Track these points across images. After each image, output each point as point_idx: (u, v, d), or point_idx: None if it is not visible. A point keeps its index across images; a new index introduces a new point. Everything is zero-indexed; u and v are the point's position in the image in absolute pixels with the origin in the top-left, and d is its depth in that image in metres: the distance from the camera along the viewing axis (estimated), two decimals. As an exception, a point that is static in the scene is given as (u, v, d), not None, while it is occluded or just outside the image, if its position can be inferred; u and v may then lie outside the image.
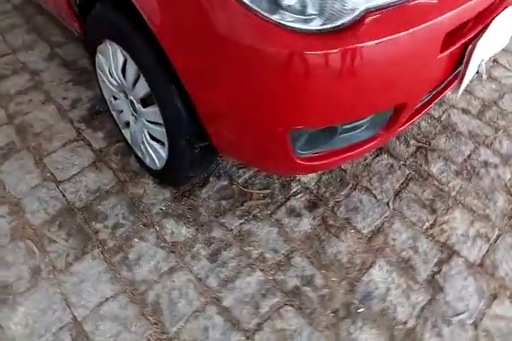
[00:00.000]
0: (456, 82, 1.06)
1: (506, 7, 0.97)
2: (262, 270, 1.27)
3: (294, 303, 1.19)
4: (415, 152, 1.58)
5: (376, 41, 0.74)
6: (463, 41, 0.90)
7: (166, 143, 1.17)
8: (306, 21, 0.74)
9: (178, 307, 1.17)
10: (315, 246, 1.32)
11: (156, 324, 1.15)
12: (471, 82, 1.21)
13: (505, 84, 1.85)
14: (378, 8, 0.75)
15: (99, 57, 1.20)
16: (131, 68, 1.07)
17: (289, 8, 0.73)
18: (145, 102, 1.15)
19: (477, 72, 1.05)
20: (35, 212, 1.39)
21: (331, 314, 1.17)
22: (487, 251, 1.31)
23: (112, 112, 1.40)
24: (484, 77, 1.46)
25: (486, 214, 1.40)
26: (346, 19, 0.74)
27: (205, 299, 1.19)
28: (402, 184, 1.48)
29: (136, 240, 1.33)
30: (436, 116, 1.71)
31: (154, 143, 1.24)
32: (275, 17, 0.74)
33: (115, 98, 1.31)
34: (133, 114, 1.28)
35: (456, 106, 1.76)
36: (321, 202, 1.43)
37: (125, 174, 1.50)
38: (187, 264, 1.28)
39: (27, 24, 2.10)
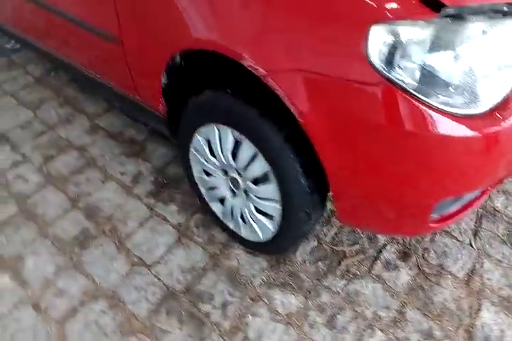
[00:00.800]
0: None
1: None
2: (381, 330, 1.29)
3: (425, 360, 1.22)
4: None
5: None
6: None
7: (279, 217, 1.19)
8: (466, 105, 0.79)
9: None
10: (421, 297, 1.37)
11: None
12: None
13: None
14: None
15: (198, 139, 1.21)
16: (247, 150, 1.09)
17: (450, 94, 0.78)
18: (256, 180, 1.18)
19: None
20: (136, 302, 1.34)
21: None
22: None
23: (200, 188, 1.40)
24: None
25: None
26: (496, 102, 0.82)
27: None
28: (476, 222, 1.58)
29: (249, 317, 1.31)
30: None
31: (261, 217, 1.26)
32: (438, 102, 0.77)
33: (208, 175, 1.32)
34: (232, 190, 1.29)
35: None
36: (410, 251, 1.49)
37: (214, 247, 1.49)
38: (308, 335, 1.28)
39: (57, 97, 2.06)
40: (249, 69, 0.86)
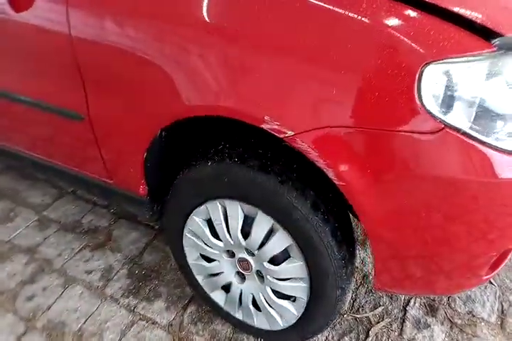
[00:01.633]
0: None
1: None
2: None
3: None
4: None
5: None
6: None
7: (305, 297, 1.00)
8: None
9: None
10: (466, 355, 1.22)
11: None
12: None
13: None
14: None
15: (195, 220, 1.02)
16: (263, 225, 0.92)
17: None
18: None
19: None
20: None
21: None
22: None
23: (197, 276, 1.17)
24: None
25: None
26: None
27: None
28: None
29: None
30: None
31: (282, 302, 1.06)
32: (498, 142, 0.68)
33: (209, 261, 1.11)
34: (240, 274, 1.09)
35: None
36: (435, 303, 1.36)
37: (221, 344, 1.22)
38: None
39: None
40: (271, 132, 0.73)
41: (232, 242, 0.99)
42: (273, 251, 0.94)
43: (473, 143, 0.64)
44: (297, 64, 0.69)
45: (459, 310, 1.35)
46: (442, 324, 1.31)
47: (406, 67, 0.62)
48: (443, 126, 0.64)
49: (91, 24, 0.87)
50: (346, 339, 1.26)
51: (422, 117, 0.64)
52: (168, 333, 1.25)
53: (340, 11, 0.67)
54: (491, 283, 1.43)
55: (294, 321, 1.08)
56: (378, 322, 1.31)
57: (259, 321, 1.15)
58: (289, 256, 0.95)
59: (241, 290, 1.12)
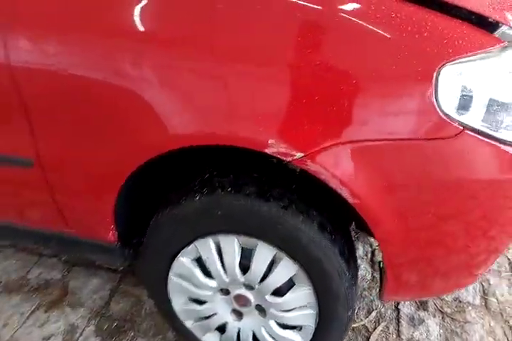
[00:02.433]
0: None
1: None
2: None
3: None
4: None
5: None
6: None
7: (313, 324, 0.93)
8: None
9: None
10: (464, 343, 1.24)
11: None
12: None
13: None
14: None
15: (182, 262, 0.88)
16: (264, 256, 0.83)
17: None
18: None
19: None
20: None
21: None
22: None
23: (185, 322, 1.02)
24: None
25: None
26: None
27: None
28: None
29: None
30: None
31: (287, 333, 0.97)
32: None
33: (201, 303, 0.98)
34: (236, 311, 0.98)
35: None
36: (422, 296, 1.37)
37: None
38: None
39: None
40: (275, 156, 0.64)
41: (227, 280, 0.88)
42: (277, 282, 0.85)
43: (494, 142, 0.62)
44: (301, 78, 0.62)
45: (447, 299, 1.38)
46: (434, 316, 1.32)
47: (422, 71, 0.58)
48: (462, 128, 0.60)
49: (32, 49, 0.70)
50: (349, 352, 1.22)
51: (441, 122, 0.60)
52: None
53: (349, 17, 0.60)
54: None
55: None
56: (375, 328, 1.28)
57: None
58: (293, 284, 0.87)
59: (239, 329, 1.01)
